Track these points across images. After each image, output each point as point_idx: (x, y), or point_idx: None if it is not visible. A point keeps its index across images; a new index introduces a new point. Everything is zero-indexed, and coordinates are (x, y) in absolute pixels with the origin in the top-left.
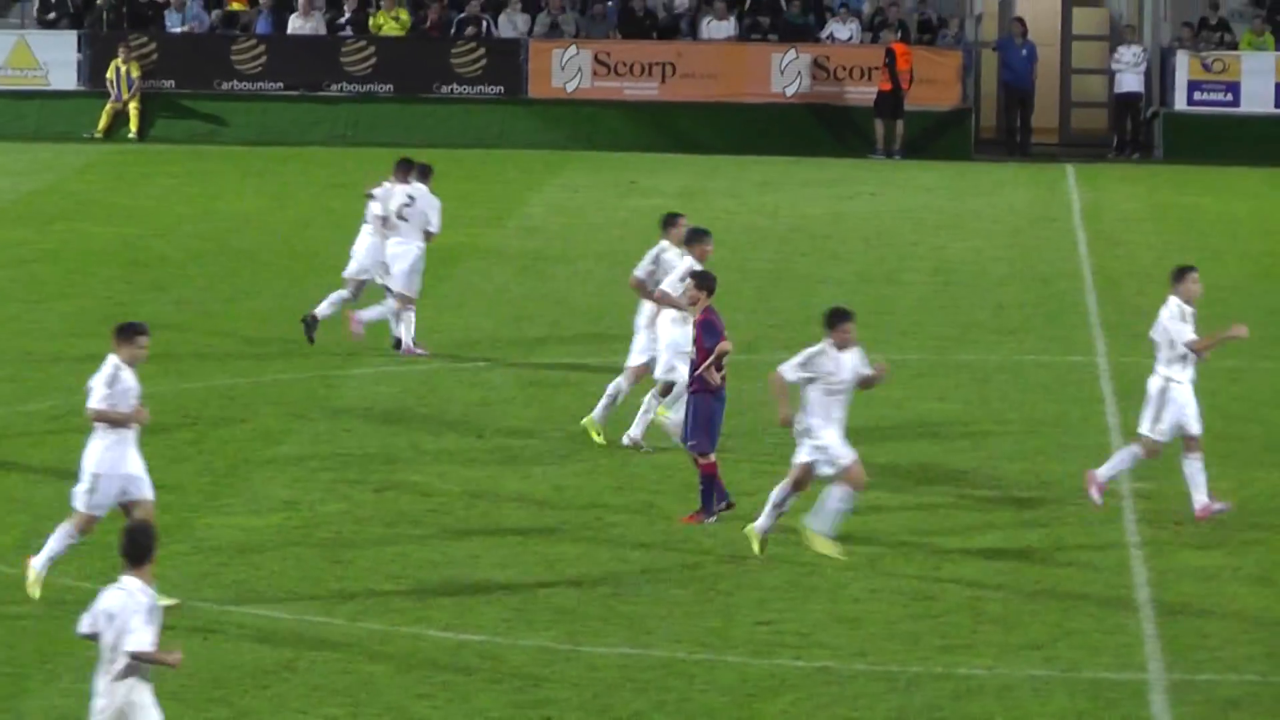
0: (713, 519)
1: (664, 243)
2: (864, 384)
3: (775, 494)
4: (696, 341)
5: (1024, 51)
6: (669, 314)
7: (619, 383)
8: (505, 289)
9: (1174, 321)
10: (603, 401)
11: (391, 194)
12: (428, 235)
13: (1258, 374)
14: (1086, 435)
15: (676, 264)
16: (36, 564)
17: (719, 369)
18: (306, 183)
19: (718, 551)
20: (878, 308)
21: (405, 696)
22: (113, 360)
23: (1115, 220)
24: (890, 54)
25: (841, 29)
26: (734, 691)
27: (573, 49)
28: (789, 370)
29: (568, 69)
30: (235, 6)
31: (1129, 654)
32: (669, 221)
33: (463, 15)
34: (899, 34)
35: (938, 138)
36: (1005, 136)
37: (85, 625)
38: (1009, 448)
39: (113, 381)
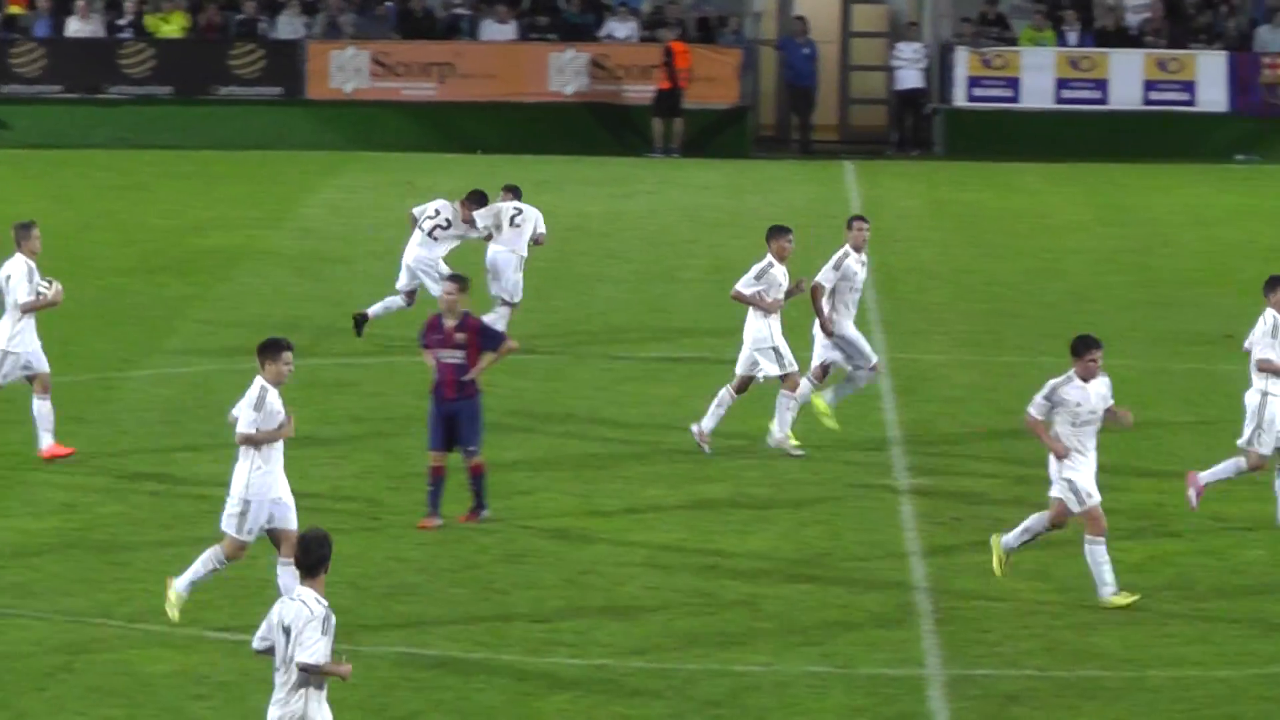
0: (486, 513)
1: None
2: (1110, 419)
3: (1033, 521)
4: (470, 344)
5: (806, 50)
6: (753, 312)
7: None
8: (282, 289)
9: (1262, 336)
10: (840, 388)
11: (502, 208)
12: (536, 241)
13: (1037, 369)
14: (864, 430)
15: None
16: (179, 585)
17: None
18: (87, 185)
19: (494, 550)
20: (656, 306)
21: (182, 698)
22: (259, 382)
23: (894, 217)
24: (669, 52)
25: (620, 27)
26: (511, 690)
27: (351, 50)
28: (1035, 409)
29: (346, 70)
30: (14, 9)
31: (907, 650)
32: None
33: (241, 17)
34: (677, 32)
35: (716, 136)
36: (784, 134)
37: (259, 641)
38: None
39: (260, 404)
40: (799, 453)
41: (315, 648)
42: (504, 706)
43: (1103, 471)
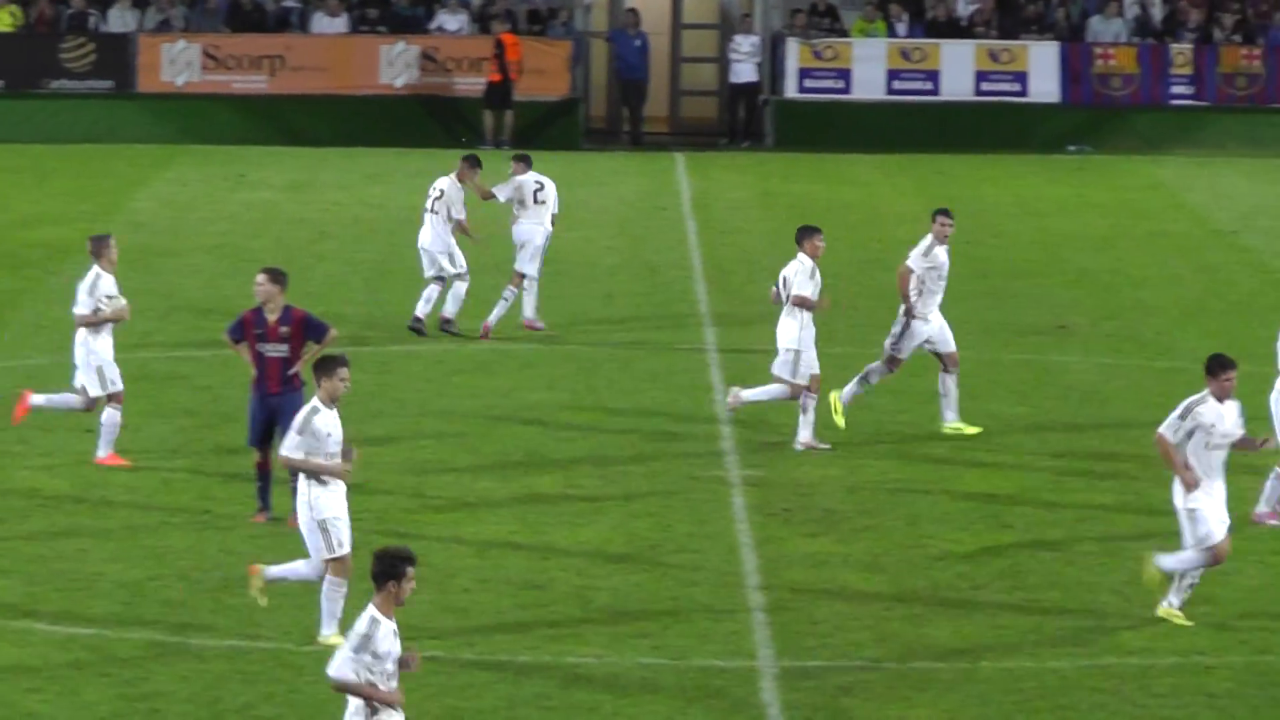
0: None
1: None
2: (1239, 446)
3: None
4: (295, 337)
5: (637, 42)
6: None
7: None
8: None
9: None
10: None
11: (523, 182)
12: (553, 218)
13: (860, 359)
14: (695, 424)
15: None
16: (326, 632)
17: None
18: None
19: None
20: (487, 298)
21: (14, 691)
22: (312, 402)
23: (725, 209)
24: (499, 45)
25: (450, 20)
26: None
27: (182, 43)
28: (1170, 430)
29: (177, 63)
30: None
31: (738, 642)
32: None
33: (71, 10)
34: (508, 25)
35: (547, 128)
36: (615, 126)
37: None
38: (618, 437)
39: (305, 427)
40: (826, 447)
41: (336, 660)
42: (334, 699)
43: (931, 462)
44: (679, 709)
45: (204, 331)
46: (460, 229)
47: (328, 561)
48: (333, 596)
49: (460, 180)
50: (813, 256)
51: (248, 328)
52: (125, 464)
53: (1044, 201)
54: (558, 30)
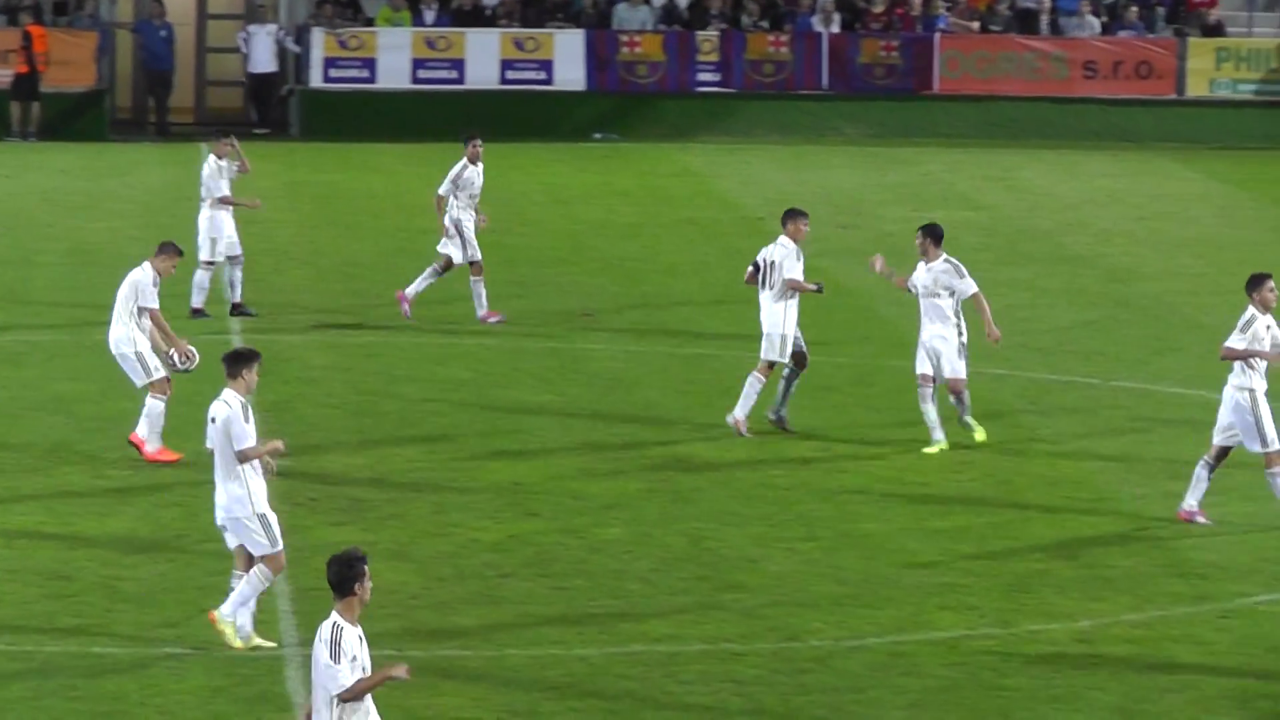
0: None
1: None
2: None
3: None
4: None
5: (163, 33)
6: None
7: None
8: None
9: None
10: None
11: (475, 176)
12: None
13: (396, 349)
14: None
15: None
16: (229, 615)
17: None
18: None
19: None
20: (11, 291)
21: None
22: (236, 396)
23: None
24: (26, 36)
25: None
26: None
27: None
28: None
29: None
30: None
31: (265, 630)
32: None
33: None
34: (34, 16)
35: (74, 119)
36: (141, 117)
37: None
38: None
39: (249, 417)
40: (748, 435)
41: (337, 681)
42: None
43: (457, 453)
44: (205, 699)
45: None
46: (225, 203)
47: (265, 556)
48: (255, 585)
49: (220, 157)
50: (795, 239)
51: None
52: (175, 457)
53: (571, 189)
54: (84, 21)
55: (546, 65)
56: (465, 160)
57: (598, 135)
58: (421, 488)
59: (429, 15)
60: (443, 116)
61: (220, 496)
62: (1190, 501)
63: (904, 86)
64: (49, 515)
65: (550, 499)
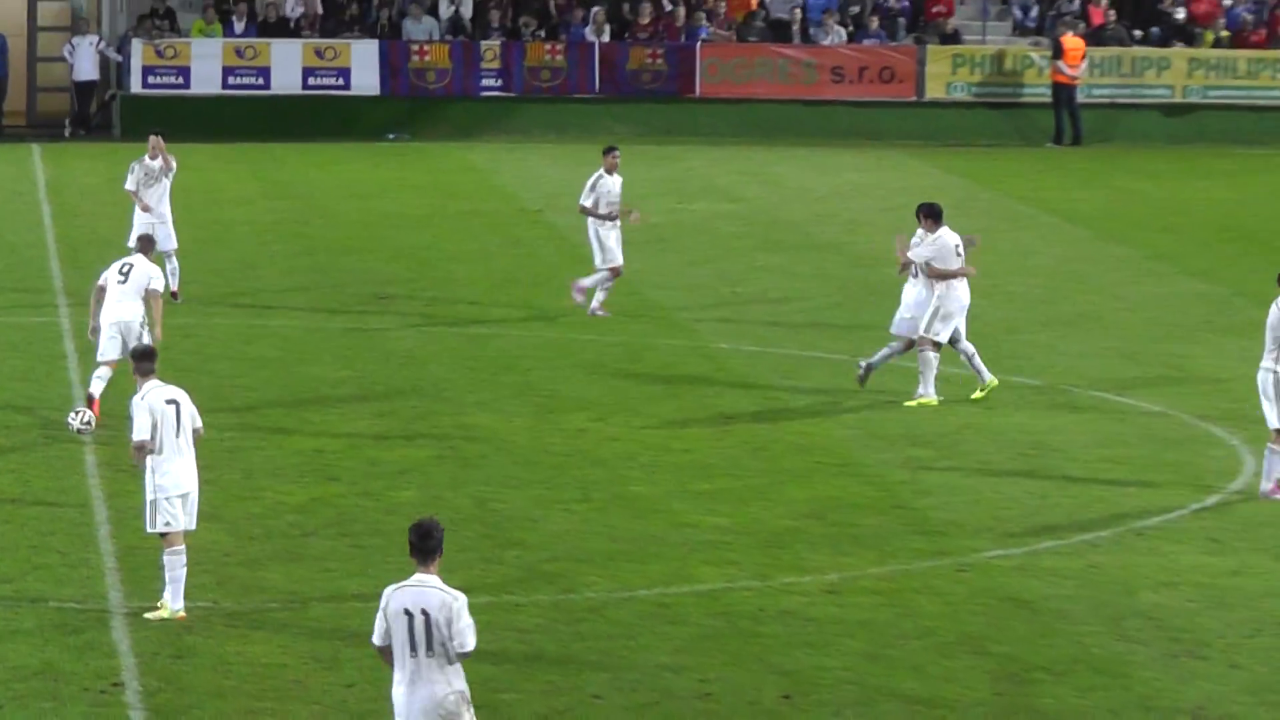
0: None
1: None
2: None
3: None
4: None
5: None
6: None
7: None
8: None
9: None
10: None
11: (613, 185)
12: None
13: (208, 330)
14: (51, 388)
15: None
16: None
17: None
18: None
19: None
20: None
21: None
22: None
23: (76, 194)
24: None
25: None
26: None
27: None
28: None
29: None
30: None
31: (92, 585)
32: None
33: None
34: None
35: None
36: None
37: (380, 638)
38: None
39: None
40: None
41: (472, 636)
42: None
43: (264, 423)
44: (38, 647)
45: None
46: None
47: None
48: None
49: (152, 158)
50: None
51: None
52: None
53: (367, 185)
54: None
55: (344, 72)
56: (602, 170)
57: (391, 136)
58: (233, 455)
59: (238, 26)
60: (250, 119)
61: (186, 473)
62: (1266, 484)
63: (669, 90)
64: None
65: (349, 465)
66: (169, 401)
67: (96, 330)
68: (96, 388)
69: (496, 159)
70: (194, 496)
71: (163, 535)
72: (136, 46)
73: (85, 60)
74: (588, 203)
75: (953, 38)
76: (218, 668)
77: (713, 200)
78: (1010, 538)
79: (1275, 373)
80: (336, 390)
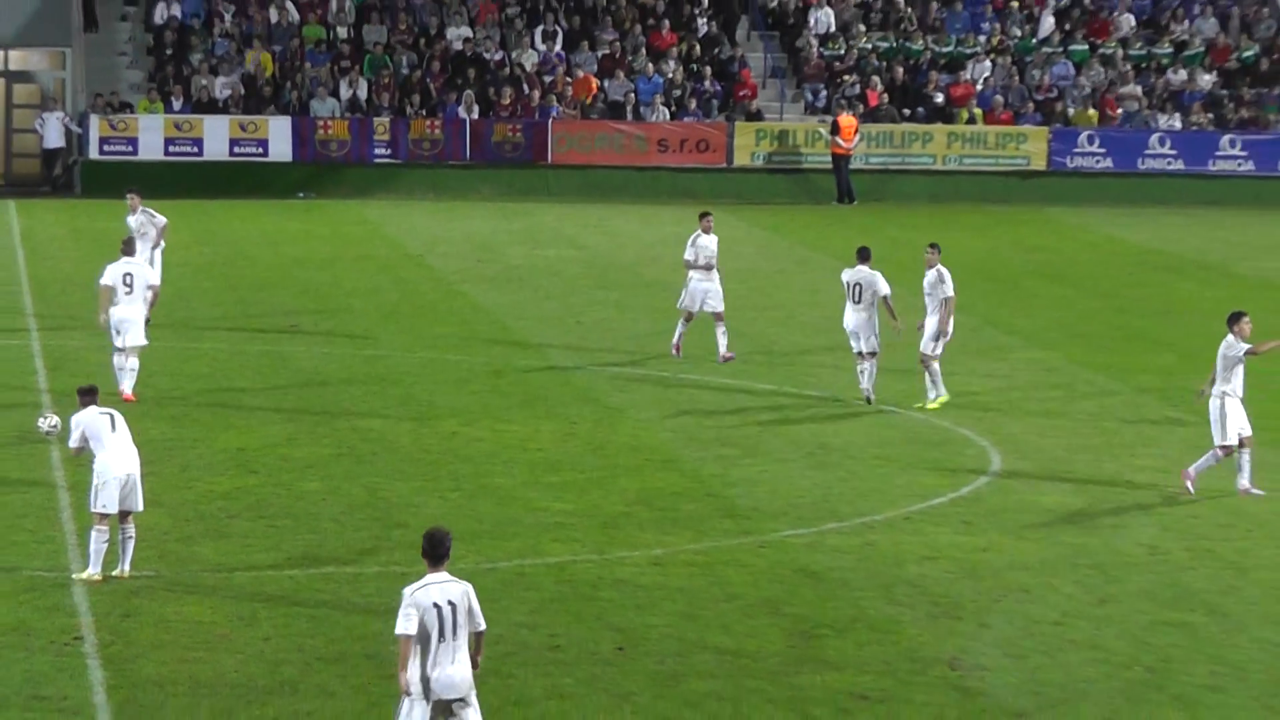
0: None
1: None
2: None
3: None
4: None
5: None
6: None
7: None
8: None
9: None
10: None
11: (708, 243)
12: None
13: (151, 351)
14: (23, 394)
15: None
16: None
17: None
18: None
19: None
20: None
21: None
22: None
23: (45, 240)
24: None
25: None
26: None
27: None
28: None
29: None
30: None
31: (57, 558)
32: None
33: None
34: None
35: None
36: None
37: (408, 624)
38: None
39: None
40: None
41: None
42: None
43: (197, 424)
44: (12, 609)
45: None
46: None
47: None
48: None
49: (134, 210)
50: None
51: None
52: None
53: (281, 234)
54: None
55: (263, 142)
56: (700, 230)
57: (301, 194)
58: (170, 452)
59: (176, 105)
60: (187, 180)
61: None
62: (1241, 481)
63: (526, 158)
64: None
65: (265, 461)
66: (102, 413)
67: (107, 322)
68: (125, 383)
69: (386, 214)
70: (135, 480)
71: (100, 515)
72: (94, 121)
73: (53, 131)
74: (690, 257)
75: (756, 115)
76: (159, 625)
77: (561, 248)
78: (802, 520)
79: (1222, 400)
80: (255, 400)
